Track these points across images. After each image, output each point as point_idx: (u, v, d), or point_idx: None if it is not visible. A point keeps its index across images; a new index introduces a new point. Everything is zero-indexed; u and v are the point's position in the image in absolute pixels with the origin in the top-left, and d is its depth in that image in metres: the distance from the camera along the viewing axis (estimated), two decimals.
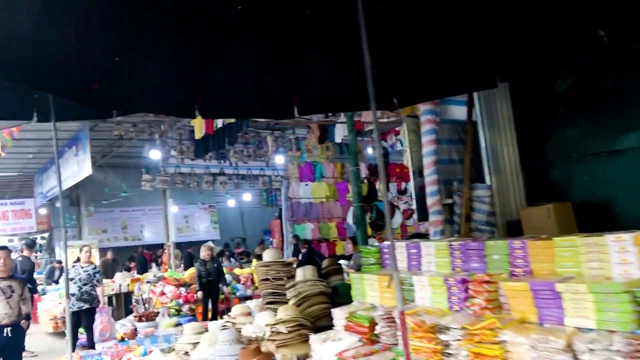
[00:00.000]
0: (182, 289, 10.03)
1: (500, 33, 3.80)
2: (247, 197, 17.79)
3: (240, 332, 4.91)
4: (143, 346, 7.67)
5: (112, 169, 16.54)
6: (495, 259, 3.35)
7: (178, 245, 17.69)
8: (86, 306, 8.15)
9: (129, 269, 13.95)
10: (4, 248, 6.23)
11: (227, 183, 13.97)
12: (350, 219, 13.16)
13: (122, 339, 7.96)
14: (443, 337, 3.15)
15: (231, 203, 21.43)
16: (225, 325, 5.16)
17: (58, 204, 19.24)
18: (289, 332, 4.50)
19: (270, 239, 16.68)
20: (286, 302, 5.15)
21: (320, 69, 3.89)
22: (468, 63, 4.09)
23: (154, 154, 11.67)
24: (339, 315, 4.11)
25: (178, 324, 9.42)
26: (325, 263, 5.86)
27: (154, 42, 3.26)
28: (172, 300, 9.80)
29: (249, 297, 10.64)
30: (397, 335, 3.57)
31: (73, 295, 8.18)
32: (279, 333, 4.52)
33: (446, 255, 3.68)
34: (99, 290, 8.36)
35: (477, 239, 3.80)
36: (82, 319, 8.21)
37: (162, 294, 9.75)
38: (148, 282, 9.58)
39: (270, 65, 3.76)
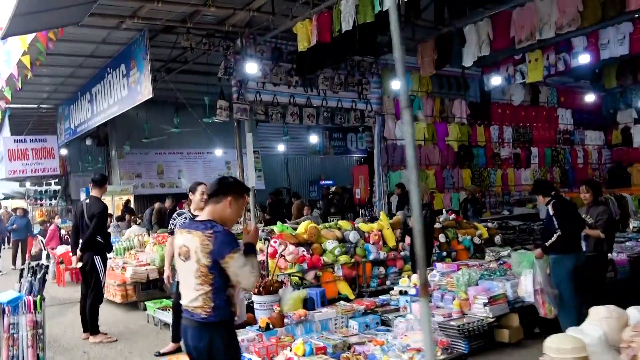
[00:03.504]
0: (302, 249, 7.37)
1: None
2: (313, 139, 14.95)
3: None
4: (301, 340, 5.08)
5: (154, 102, 12.81)
6: None
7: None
8: None
9: None
10: None
11: (314, 116, 11.11)
12: None
13: (267, 327, 5.34)
14: None
15: (281, 148, 18.75)
16: None
17: (88, 142, 16.45)
18: None
19: (353, 189, 13.93)
20: None
21: None
22: None
23: (251, 68, 8.73)
24: None
25: (307, 299, 6.79)
26: None
27: None
28: (293, 265, 7.14)
29: (382, 262, 8.04)
30: None
31: None
32: None
33: None
34: None
35: None
36: None
37: (281, 256, 7.07)
38: (266, 239, 6.87)
39: None
